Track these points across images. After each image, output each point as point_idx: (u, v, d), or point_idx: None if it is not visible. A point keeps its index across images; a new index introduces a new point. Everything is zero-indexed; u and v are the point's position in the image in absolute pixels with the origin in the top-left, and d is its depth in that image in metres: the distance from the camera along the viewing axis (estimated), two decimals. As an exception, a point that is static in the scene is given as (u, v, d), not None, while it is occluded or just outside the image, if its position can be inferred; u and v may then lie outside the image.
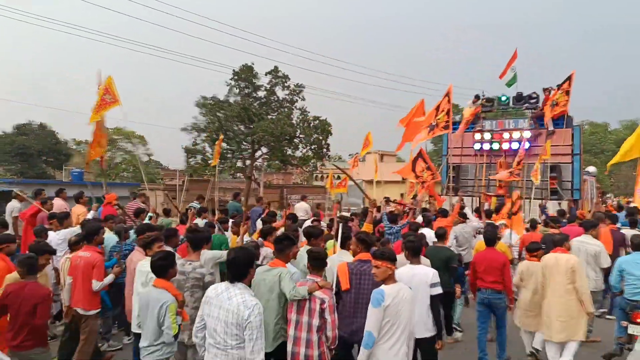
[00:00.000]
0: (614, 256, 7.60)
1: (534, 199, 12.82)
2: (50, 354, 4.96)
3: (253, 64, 30.67)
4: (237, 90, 30.94)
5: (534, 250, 6.37)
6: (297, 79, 29.31)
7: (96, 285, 5.44)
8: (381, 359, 3.93)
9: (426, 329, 4.72)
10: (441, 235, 7.09)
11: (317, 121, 31.03)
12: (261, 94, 31.31)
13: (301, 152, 31.80)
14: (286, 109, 31.31)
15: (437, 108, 12.23)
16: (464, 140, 16.51)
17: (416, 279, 4.70)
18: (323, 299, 4.23)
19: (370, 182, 29.90)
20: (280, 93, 31.46)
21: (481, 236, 7.70)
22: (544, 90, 15.28)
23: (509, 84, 16.33)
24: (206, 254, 5.44)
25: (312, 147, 31.47)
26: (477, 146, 16.10)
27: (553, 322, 5.73)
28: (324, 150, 31.55)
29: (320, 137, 31.19)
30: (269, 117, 30.57)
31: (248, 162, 31.57)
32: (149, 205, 11.30)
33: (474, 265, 6.59)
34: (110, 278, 5.66)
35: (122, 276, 5.96)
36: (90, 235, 5.72)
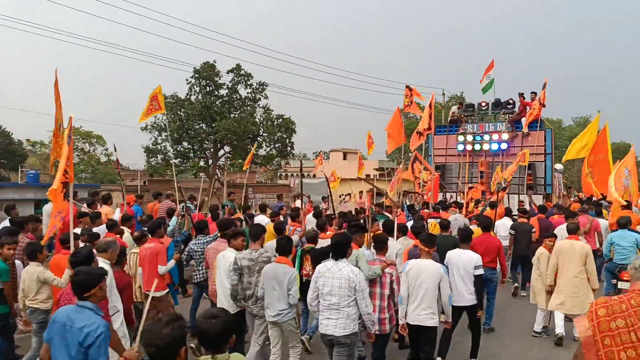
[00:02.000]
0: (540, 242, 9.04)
1: (511, 193, 14.43)
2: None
3: (215, 62, 30.87)
4: (199, 89, 31.02)
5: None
6: (260, 77, 30.05)
7: (161, 269, 6.23)
8: (409, 317, 5.23)
9: (471, 299, 5.95)
10: (445, 225, 8.17)
11: (281, 119, 31.67)
12: (223, 92, 31.50)
13: (265, 150, 32.38)
14: (249, 108, 31.65)
15: (430, 116, 13.42)
16: (448, 141, 18.30)
17: (463, 261, 5.92)
18: (392, 273, 5.39)
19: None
20: (243, 91, 31.85)
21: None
22: (519, 95, 17.24)
23: (485, 90, 18.17)
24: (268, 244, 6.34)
25: (276, 146, 32.16)
26: (460, 147, 17.90)
27: (568, 299, 6.95)
28: (288, 148, 32.24)
29: (285, 136, 31.89)
30: (232, 115, 30.87)
31: (211, 161, 31.82)
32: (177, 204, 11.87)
33: (474, 248, 7.68)
34: (172, 263, 6.44)
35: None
36: (153, 229, 6.48)
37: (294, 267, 5.91)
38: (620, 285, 8.07)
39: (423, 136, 13.46)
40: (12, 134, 39.27)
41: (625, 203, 10.32)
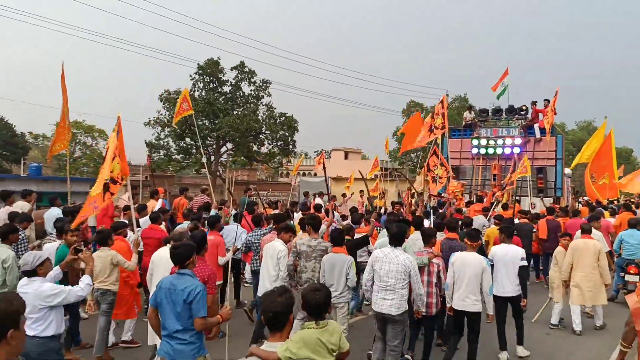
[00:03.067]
0: (550, 240, 10.30)
1: (523, 196, 15.17)
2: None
3: (219, 58, 31.33)
4: (202, 85, 31.55)
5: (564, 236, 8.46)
6: (264, 75, 30.41)
7: (221, 260, 6.83)
8: (454, 303, 5.96)
9: (515, 290, 6.58)
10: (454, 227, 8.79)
11: (284, 117, 32.19)
12: (227, 89, 32.03)
13: (267, 148, 32.97)
14: (252, 105, 32.16)
15: (434, 114, 14.11)
16: (463, 145, 19.13)
17: (509, 255, 6.60)
18: (438, 264, 6.15)
19: (335, 178, 31.69)
20: (246, 89, 32.41)
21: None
22: (532, 103, 18.22)
23: (499, 96, 19.24)
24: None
25: (278, 144, 32.72)
26: (474, 150, 18.80)
27: (585, 293, 7.71)
28: (290, 146, 32.84)
29: (287, 134, 32.43)
30: (235, 112, 31.34)
31: (213, 157, 32.27)
32: (212, 199, 12.58)
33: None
34: (230, 254, 7.08)
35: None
36: (212, 223, 7.18)
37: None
38: (627, 277, 9.21)
39: (434, 133, 14.05)
40: (15, 126, 39.66)
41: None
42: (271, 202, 15.33)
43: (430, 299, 6.01)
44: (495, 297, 6.29)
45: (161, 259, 5.53)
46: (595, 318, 8.16)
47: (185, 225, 8.50)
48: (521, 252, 6.70)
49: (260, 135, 32.33)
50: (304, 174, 39.39)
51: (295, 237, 6.98)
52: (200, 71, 31.17)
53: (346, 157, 41.65)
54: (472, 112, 19.89)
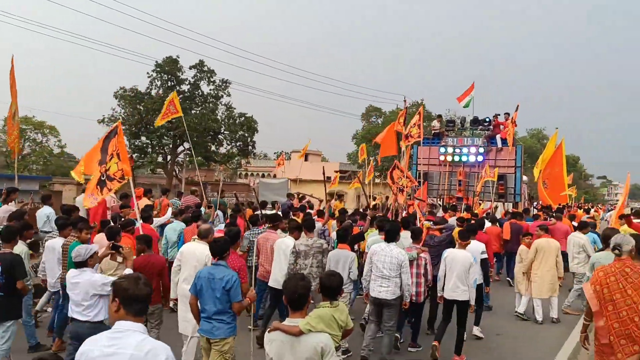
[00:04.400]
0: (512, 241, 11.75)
1: (486, 200, 16.76)
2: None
3: (178, 56, 31.28)
4: (160, 83, 31.40)
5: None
6: (224, 75, 30.54)
7: None
8: (445, 293, 6.96)
9: (480, 279, 7.68)
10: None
11: (243, 118, 32.52)
12: (185, 87, 31.99)
13: (225, 148, 33.25)
14: (211, 105, 32.29)
15: (405, 120, 15.40)
16: (431, 152, 20.95)
17: (472, 250, 7.58)
18: (425, 258, 7.21)
19: (295, 180, 32.43)
20: (205, 88, 32.46)
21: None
22: (494, 116, 20.37)
23: (465, 106, 21.18)
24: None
25: (237, 144, 33.05)
26: (441, 158, 20.65)
27: (545, 285, 8.95)
28: (249, 147, 33.23)
29: (246, 134, 32.80)
30: (193, 111, 31.42)
31: (169, 157, 32.24)
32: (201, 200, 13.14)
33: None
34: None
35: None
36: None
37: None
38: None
39: (408, 140, 15.31)
40: None
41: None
42: (250, 202, 16.04)
43: (419, 288, 7.05)
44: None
45: (190, 253, 6.14)
46: (552, 307, 9.30)
47: (176, 224, 9.19)
48: (482, 247, 7.84)
49: (219, 135, 32.50)
50: (263, 175, 39.92)
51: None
52: (158, 69, 30.98)
53: (306, 159, 42.34)
54: (440, 122, 21.81)
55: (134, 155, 31.43)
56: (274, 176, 32.65)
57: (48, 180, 29.43)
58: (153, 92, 31.24)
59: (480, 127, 21.07)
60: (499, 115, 20.23)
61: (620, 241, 4.82)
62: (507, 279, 12.42)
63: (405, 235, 7.59)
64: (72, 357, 3.87)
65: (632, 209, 16.04)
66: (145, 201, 11.11)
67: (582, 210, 24.22)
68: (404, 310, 6.82)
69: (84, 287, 4.89)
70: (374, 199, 19.64)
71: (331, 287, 4.05)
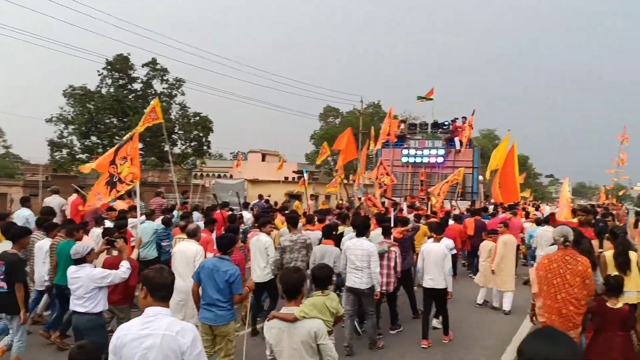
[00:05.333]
0: (476, 237, 12.38)
1: (445, 199, 17.85)
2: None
3: (129, 54, 30.92)
4: (110, 81, 30.99)
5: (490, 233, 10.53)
6: (178, 73, 30.01)
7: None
8: (425, 283, 7.64)
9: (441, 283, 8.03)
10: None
11: (198, 117, 32.57)
12: (137, 86, 31.79)
13: (180, 148, 33.07)
14: (164, 104, 32.15)
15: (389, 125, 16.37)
16: (394, 154, 22.25)
17: (443, 245, 8.15)
18: (395, 251, 7.75)
19: (252, 181, 32.69)
20: (158, 87, 32.29)
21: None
22: (452, 120, 22.08)
23: (419, 99, 22.55)
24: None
25: (192, 144, 33.02)
26: (404, 159, 22.16)
27: (506, 280, 9.73)
28: (205, 147, 33.25)
29: (201, 134, 32.87)
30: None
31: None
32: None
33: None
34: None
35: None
36: (206, 223, 8.82)
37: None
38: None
39: (378, 143, 16.46)
40: None
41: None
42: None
43: (390, 278, 7.71)
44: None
45: (181, 252, 6.79)
46: (506, 301, 9.92)
47: (147, 224, 9.50)
48: (451, 243, 9.05)
49: (173, 135, 32.37)
50: (219, 176, 39.89)
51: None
52: (109, 67, 30.56)
53: (263, 159, 42.77)
54: (403, 125, 23.38)
55: (84, 156, 30.98)
56: (231, 177, 32.78)
57: (-9, 181, 28.71)
58: (104, 91, 30.77)
59: (440, 130, 22.70)
60: (457, 119, 21.84)
61: (567, 233, 5.57)
62: (469, 272, 13.32)
63: (379, 232, 8.26)
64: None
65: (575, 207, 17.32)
66: (122, 203, 11.28)
67: (532, 207, 25.69)
68: (376, 299, 7.37)
69: (85, 281, 5.25)
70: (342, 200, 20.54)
71: (322, 277, 4.56)
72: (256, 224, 8.71)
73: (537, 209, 23.50)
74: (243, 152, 40.66)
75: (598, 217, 11.82)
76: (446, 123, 22.38)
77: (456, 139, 21.24)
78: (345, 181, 23.05)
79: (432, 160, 21.63)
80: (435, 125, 22.84)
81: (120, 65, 30.73)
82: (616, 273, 6.12)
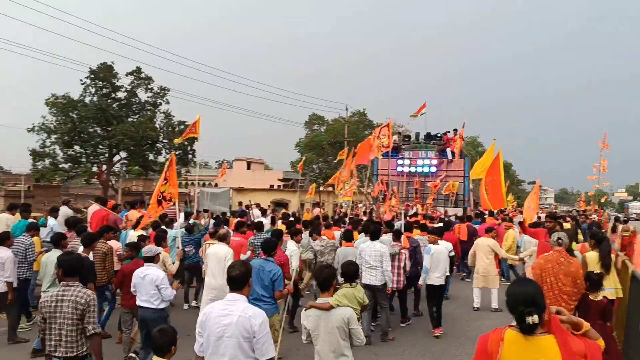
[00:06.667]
0: (469, 241, 13.25)
1: (438, 206, 19.29)
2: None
3: (113, 63, 31.25)
4: (94, 90, 31.25)
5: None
6: (162, 82, 30.34)
7: (242, 257, 8.51)
8: (430, 280, 8.73)
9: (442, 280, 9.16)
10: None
11: (183, 126, 32.72)
12: (121, 95, 32.05)
13: (164, 157, 33.34)
14: (149, 112, 32.51)
15: (378, 134, 17.11)
16: (390, 164, 23.18)
17: (443, 247, 9.31)
18: (405, 253, 8.91)
19: (237, 189, 33.25)
20: (143, 95, 32.68)
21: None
22: (444, 133, 23.91)
23: (414, 116, 23.64)
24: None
25: (177, 153, 33.44)
26: (399, 169, 23.98)
27: (490, 279, 10.65)
28: (190, 156, 33.59)
29: (186, 143, 33.22)
30: (130, 119, 31.48)
31: (105, 167, 31.91)
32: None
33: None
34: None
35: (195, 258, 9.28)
36: (237, 227, 9.82)
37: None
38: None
39: (380, 151, 17.50)
40: None
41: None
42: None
43: (400, 277, 8.89)
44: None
45: (213, 253, 7.66)
46: (493, 298, 10.81)
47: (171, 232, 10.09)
48: (451, 246, 9.88)
49: (157, 144, 32.75)
50: (204, 184, 40.27)
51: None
52: (92, 75, 30.82)
53: (249, 167, 43.27)
54: (397, 136, 24.66)
55: (67, 165, 31.17)
56: (216, 185, 33.23)
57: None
58: (87, 100, 31.03)
59: (433, 141, 24.55)
60: (449, 132, 23.69)
61: (562, 235, 6.43)
62: (463, 274, 14.48)
63: (389, 236, 9.40)
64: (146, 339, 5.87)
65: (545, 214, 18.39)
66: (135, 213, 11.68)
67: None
68: (388, 295, 8.54)
69: (151, 279, 6.18)
70: (341, 207, 21.64)
71: (350, 272, 5.45)
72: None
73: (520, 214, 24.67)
74: (228, 161, 41.16)
75: (584, 223, 12.81)
76: (438, 135, 24.17)
77: (448, 150, 22.93)
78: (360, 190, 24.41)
79: (426, 169, 23.53)
80: (428, 137, 24.60)
81: (104, 74, 30.96)
82: (597, 271, 6.95)
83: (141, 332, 6.58)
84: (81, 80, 31.04)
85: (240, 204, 20.51)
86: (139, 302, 6.31)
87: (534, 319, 2.73)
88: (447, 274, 9.23)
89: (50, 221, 10.33)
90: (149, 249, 6.47)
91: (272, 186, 36.73)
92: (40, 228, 9.64)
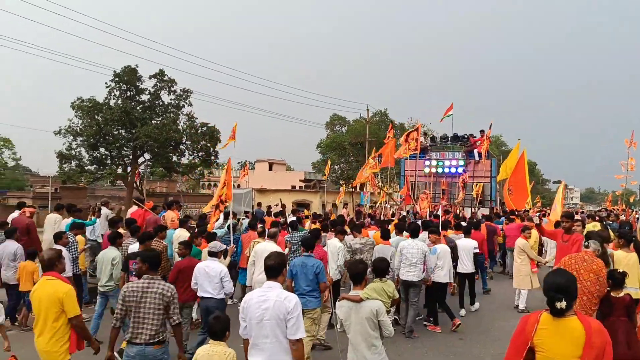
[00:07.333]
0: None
1: (467, 207, 19.80)
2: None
3: (137, 66, 32.21)
4: (118, 93, 32.24)
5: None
6: (185, 84, 31.10)
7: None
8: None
9: (471, 269, 9.96)
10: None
11: (205, 128, 33.71)
12: (145, 97, 32.99)
13: (187, 159, 34.22)
14: (172, 114, 33.26)
15: (407, 135, 17.83)
16: (417, 165, 24.41)
17: (469, 245, 10.11)
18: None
19: (259, 190, 33.87)
20: (166, 98, 33.59)
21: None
22: (470, 135, 24.61)
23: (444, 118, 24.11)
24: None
25: (199, 154, 34.14)
26: (426, 170, 24.58)
27: (520, 279, 11.06)
28: (212, 157, 34.37)
29: (208, 144, 33.99)
30: (153, 122, 32.26)
31: (129, 168, 32.90)
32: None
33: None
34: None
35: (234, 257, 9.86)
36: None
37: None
38: None
39: (406, 153, 18.28)
40: None
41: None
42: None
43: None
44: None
45: (263, 250, 8.24)
46: (520, 302, 11.12)
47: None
48: (475, 243, 10.45)
49: (181, 146, 33.45)
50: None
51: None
52: (117, 78, 31.81)
53: (270, 169, 43.84)
54: (424, 138, 25.53)
55: (93, 167, 32.08)
56: (238, 186, 33.87)
57: (4, 193, 29.71)
58: (112, 103, 31.92)
59: (460, 142, 25.27)
60: (474, 135, 24.39)
61: (592, 242, 6.88)
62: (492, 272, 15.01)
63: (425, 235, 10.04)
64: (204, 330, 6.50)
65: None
66: (171, 214, 12.23)
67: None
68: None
69: (216, 273, 6.84)
70: (371, 207, 22.45)
71: (381, 268, 5.92)
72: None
73: (544, 215, 24.83)
74: (250, 162, 41.76)
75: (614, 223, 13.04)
76: (465, 136, 24.85)
77: (475, 151, 23.70)
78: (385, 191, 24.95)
79: (453, 170, 24.17)
80: (455, 138, 25.26)
81: (128, 77, 31.91)
82: (621, 269, 7.32)
83: (203, 321, 7.25)
84: (106, 83, 32.05)
85: (259, 204, 21.41)
86: (201, 294, 6.89)
87: (562, 304, 3.39)
88: (473, 270, 10.13)
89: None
90: (215, 245, 7.16)
91: (293, 187, 37.25)
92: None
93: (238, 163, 51.47)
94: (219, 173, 37.22)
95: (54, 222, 11.04)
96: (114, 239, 8.19)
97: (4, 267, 9.11)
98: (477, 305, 10.84)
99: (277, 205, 20.36)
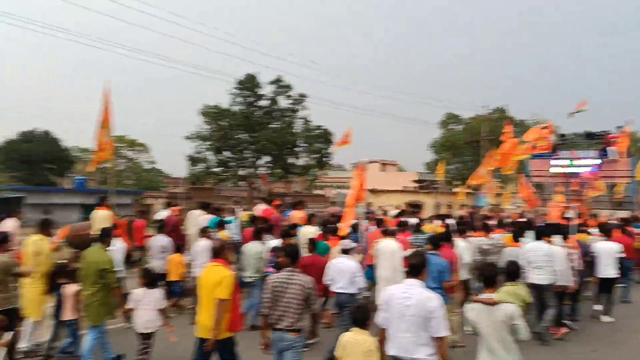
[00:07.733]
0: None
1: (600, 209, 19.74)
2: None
3: (258, 73, 34.50)
4: (241, 99, 34.71)
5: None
6: (299, 89, 33.06)
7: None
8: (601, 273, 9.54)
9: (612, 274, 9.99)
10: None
11: (319, 130, 35.30)
12: (264, 103, 35.11)
13: (304, 160, 35.96)
14: (288, 118, 35.26)
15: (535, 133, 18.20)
16: (544, 164, 24.12)
17: (612, 249, 10.13)
18: (575, 253, 9.39)
19: (371, 191, 34.71)
20: (283, 102, 35.41)
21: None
22: (605, 132, 23.60)
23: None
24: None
25: (314, 156, 35.68)
26: (553, 170, 23.96)
27: None
28: (326, 159, 35.79)
29: (323, 146, 35.30)
30: (271, 126, 34.44)
31: (251, 170, 35.18)
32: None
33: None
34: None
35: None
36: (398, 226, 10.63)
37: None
38: None
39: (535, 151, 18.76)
40: (62, 140, 42.93)
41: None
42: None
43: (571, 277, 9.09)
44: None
45: (385, 247, 8.78)
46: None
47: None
48: (618, 247, 10.16)
49: (296, 148, 35.28)
50: (339, 186, 42.42)
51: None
52: (240, 86, 34.28)
53: (383, 169, 44.57)
54: (554, 136, 24.22)
55: (218, 169, 34.74)
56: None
57: (141, 194, 33.17)
58: (235, 109, 34.44)
59: (594, 140, 24.30)
60: (610, 132, 23.28)
61: None
62: None
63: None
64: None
65: None
66: (298, 214, 13.38)
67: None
68: (565, 293, 9.01)
69: (350, 269, 7.48)
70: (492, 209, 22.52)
71: (512, 271, 6.31)
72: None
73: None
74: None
75: None
76: (601, 134, 23.84)
77: (610, 149, 22.63)
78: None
79: (586, 169, 22.91)
80: (589, 135, 24.42)
81: (249, 84, 34.26)
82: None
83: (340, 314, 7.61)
84: (230, 90, 34.63)
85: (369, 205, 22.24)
86: (335, 289, 7.47)
87: None
88: (618, 274, 9.87)
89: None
90: (346, 243, 7.90)
91: (405, 188, 37.73)
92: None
93: (350, 164, 52.80)
94: (332, 174, 38.57)
95: (196, 217, 12.52)
96: (258, 235, 9.28)
97: (154, 257, 10.32)
98: (608, 318, 10.10)
99: (397, 207, 21.13)
